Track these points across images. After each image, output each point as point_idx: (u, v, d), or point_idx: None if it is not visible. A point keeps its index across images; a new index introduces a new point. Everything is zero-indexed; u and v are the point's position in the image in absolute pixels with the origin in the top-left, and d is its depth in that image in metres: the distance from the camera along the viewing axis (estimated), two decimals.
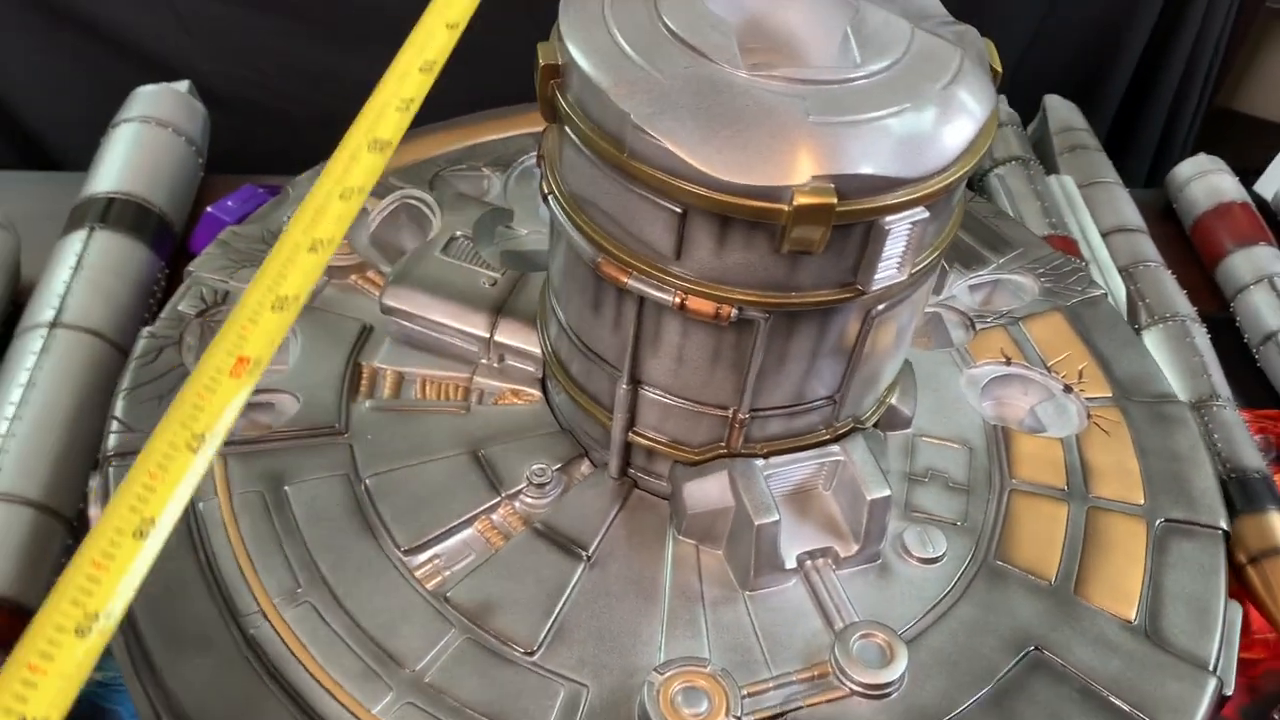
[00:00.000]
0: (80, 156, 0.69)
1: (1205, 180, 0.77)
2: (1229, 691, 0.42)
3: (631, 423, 0.43)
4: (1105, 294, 0.56)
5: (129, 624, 0.39)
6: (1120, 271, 0.68)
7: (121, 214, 0.62)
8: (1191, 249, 0.77)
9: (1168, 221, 0.80)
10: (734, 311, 0.37)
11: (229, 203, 0.67)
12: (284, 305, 0.35)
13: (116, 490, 0.31)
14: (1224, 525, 0.47)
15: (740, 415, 0.41)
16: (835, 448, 0.43)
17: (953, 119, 0.36)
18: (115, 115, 0.69)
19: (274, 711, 0.37)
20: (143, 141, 0.67)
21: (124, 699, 0.49)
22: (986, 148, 0.37)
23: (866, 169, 0.34)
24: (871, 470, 0.43)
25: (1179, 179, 0.79)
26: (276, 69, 0.91)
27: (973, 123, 0.36)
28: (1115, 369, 0.53)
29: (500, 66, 0.66)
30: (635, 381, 0.42)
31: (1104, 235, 0.71)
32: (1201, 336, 0.65)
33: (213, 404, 0.32)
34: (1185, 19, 0.98)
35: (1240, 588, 0.55)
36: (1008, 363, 0.52)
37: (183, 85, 0.72)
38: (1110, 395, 0.51)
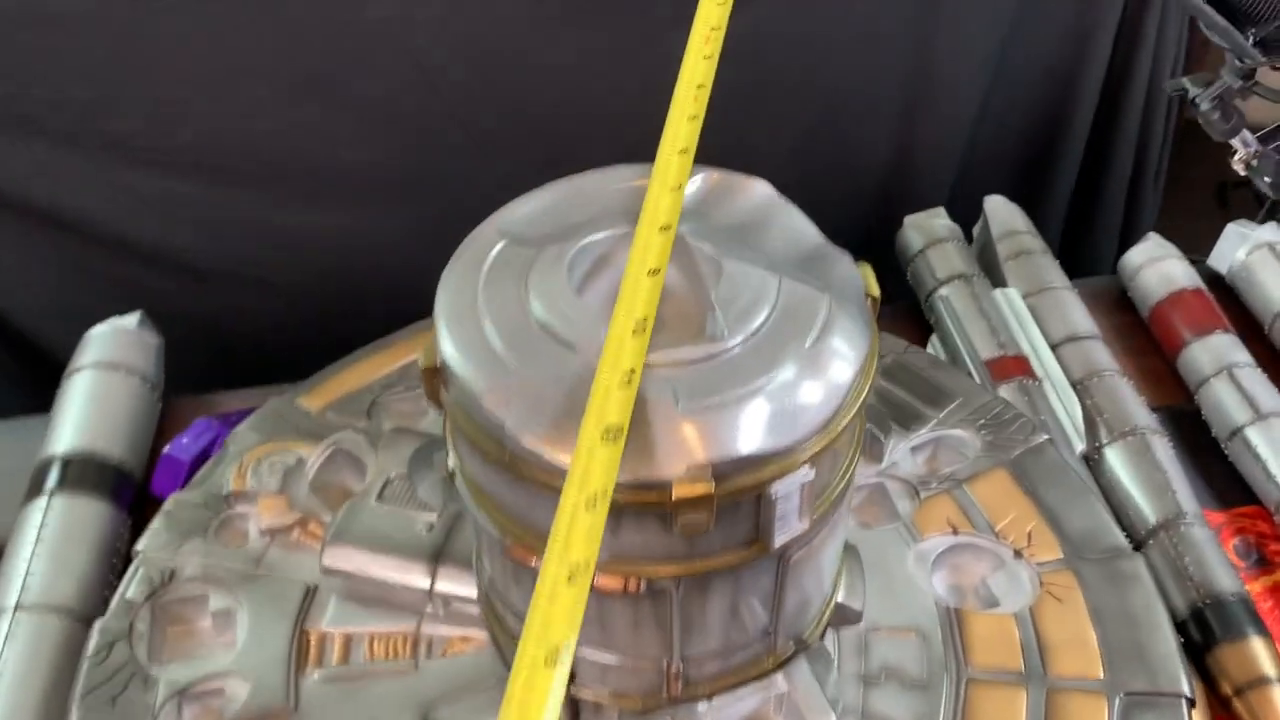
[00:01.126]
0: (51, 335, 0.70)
1: (1155, 268, 0.77)
2: None
3: (572, 679, 0.43)
4: (1049, 441, 0.56)
5: None
6: (1075, 385, 0.68)
7: (80, 475, 0.63)
8: (1150, 336, 0.77)
9: (1128, 309, 0.79)
10: (641, 584, 0.37)
11: (184, 440, 0.68)
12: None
13: None
14: (1187, 692, 0.46)
15: (674, 667, 0.41)
16: (779, 678, 0.43)
17: (825, 374, 0.36)
18: (70, 363, 0.71)
19: None
20: (96, 391, 0.68)
21: None
22: (867, 389, 0.38)
23: (741, 449, 0.34)
24: (816, 700, 0.42)
25: (1129, 267, 0.78)
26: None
27: (847, 370, 0.37)
28: (1064, 525, 0.52)
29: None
30: None
31: (1055, 347, 0.71)
32: (1164, 450, 0.64)
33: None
34: (1129, 90, 0.98)
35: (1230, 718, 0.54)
36: (955, 533, 0.52)
37: (133, 319, 0.73)
38: (1061, 557, 0.51)
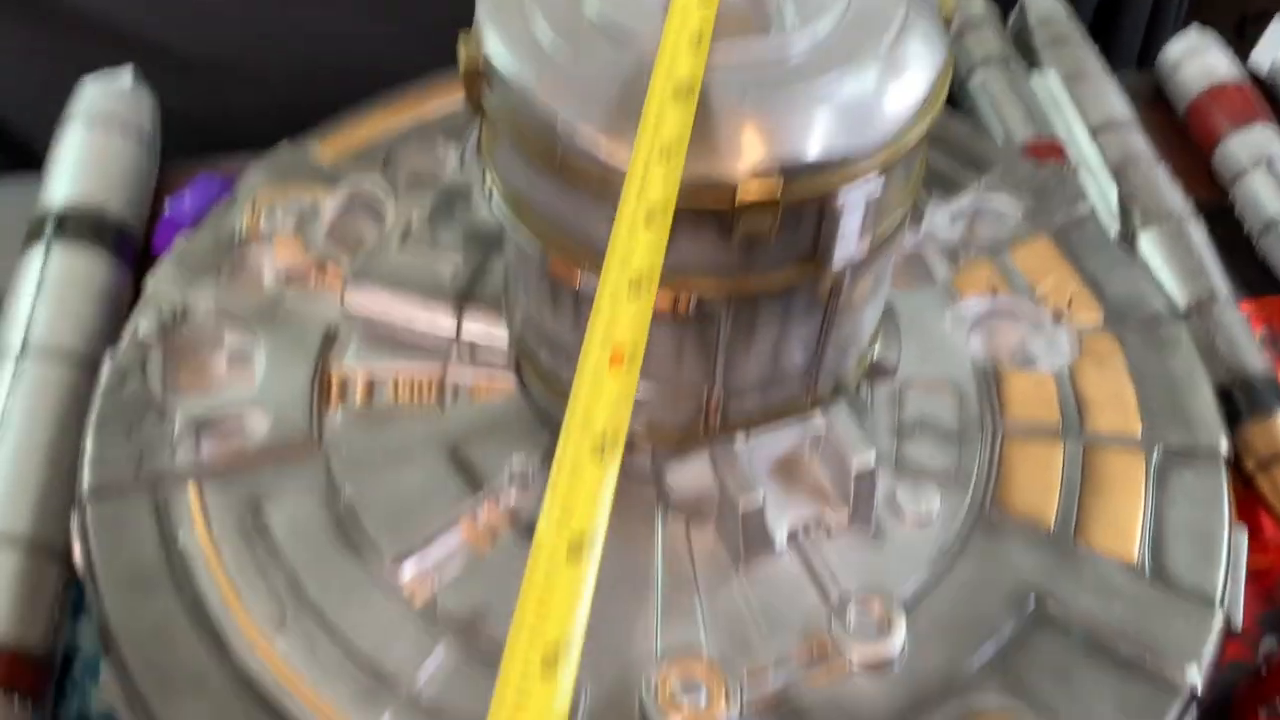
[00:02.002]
0: (46, 136, 0.67)
1: (1197, 60, 0.74)
2: (1237, 625, 0.42)
3: None
4: (1092, 212, 0.54)
5: (121, 665, 0.39)
6: (1111, 171, 0.66)
7: (79, 226, 0.60)
8: (1187, 134, 0.74)
9: (1161, 106, 0.77)
10: (691, 303, 0.36)
11: (185, 200, 0.65)
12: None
13: (541, 515, 0.30)
14: (1224, 448, 0.45)
15: (714, 399, 0.40)
16: (817, 418, 0.42)
17: (901, 79, 0.34)
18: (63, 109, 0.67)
19: None
20: (92, 144, 0.65)
21: None
22: (942, 102, 0.35)
23: (811, 151, 0.32)
24: (855, 439, 0.41)
25: (1169, 61, 0.75)
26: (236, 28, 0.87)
27: (924, 79, 0.34)
28: (1106, 291, 0.51)
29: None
30: None
31: (1092, 132, 0.68)
32: (1199, 234, 0.62)
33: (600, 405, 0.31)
34: None
35: (1251, 495, 0.54)
36: (994, 295, 0.50)
37: (126, 75, 0.70)
38: (1102, 321, 0.50)
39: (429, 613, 0.41)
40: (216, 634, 0.40)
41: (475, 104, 0.36)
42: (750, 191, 0.32)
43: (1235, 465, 0.55)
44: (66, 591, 0.50)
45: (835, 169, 0.33)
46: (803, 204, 0.33)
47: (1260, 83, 0.75)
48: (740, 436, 0.41)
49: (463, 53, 0.35)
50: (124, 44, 0.83)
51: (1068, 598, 0.41)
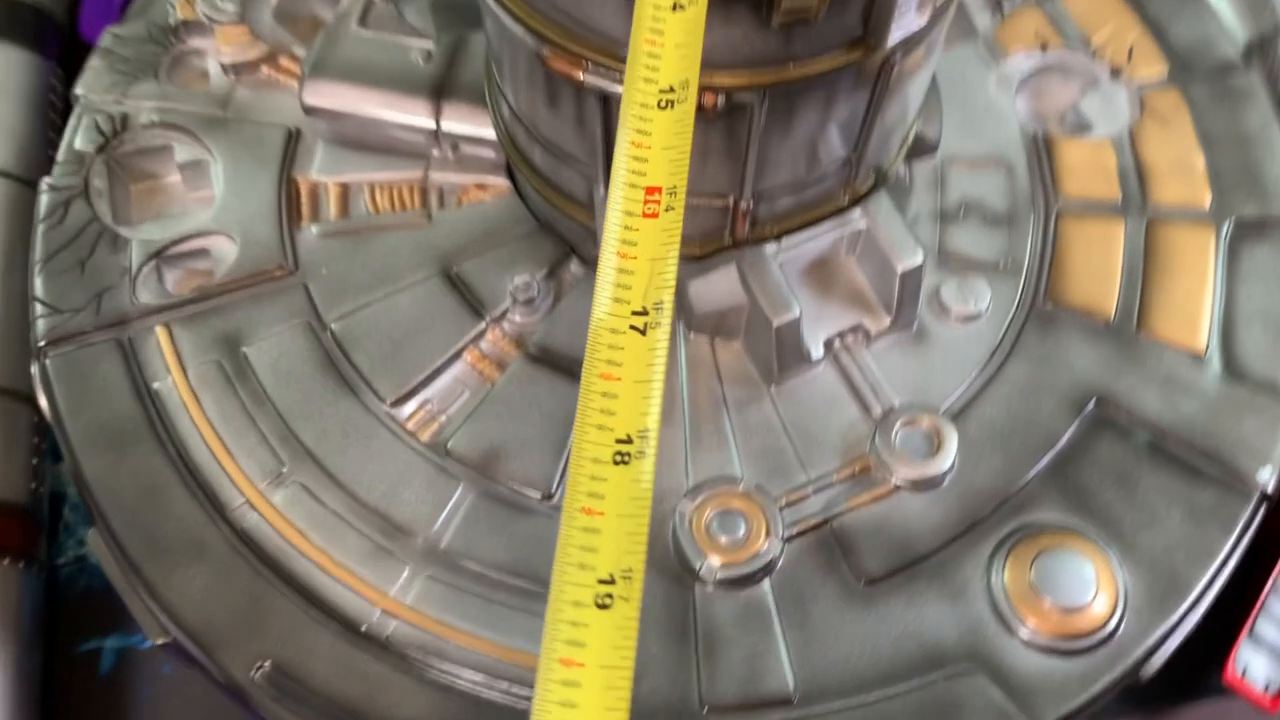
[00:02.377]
0: None
1: None
2: None
3: None
4: None
5: (110, 536, 0.36)
6: None
7: (9, 23, 0.53)
8: None
9: None
10: (720, 100, 0.30)
11: None
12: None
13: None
14: None
15: (742, 204, 0.35)
16: (856, 214, 0.37)
17: None
18: None
19: (284, 610, 0.35)
20: None
21: None
22: None
23: None
24: (900, 235, 0.37)
25: None
26: None
27: None
28: (1170, 36, 0.45)
29: None
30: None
31: None
32: None
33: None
34: None
35: None
36: (1043, 50, 0.44)
37: None
38: (1166, 73, 0.44)
39: (439, 453, 0.37)
40: (207, 492, 0.37)
41: None
42: None
43: None
44: (43, 435, 0.46)
45: None
46: None
47: None
48: (770, 244, 0.37)
49: None
50: None
51: (1130, 396, 0.38)
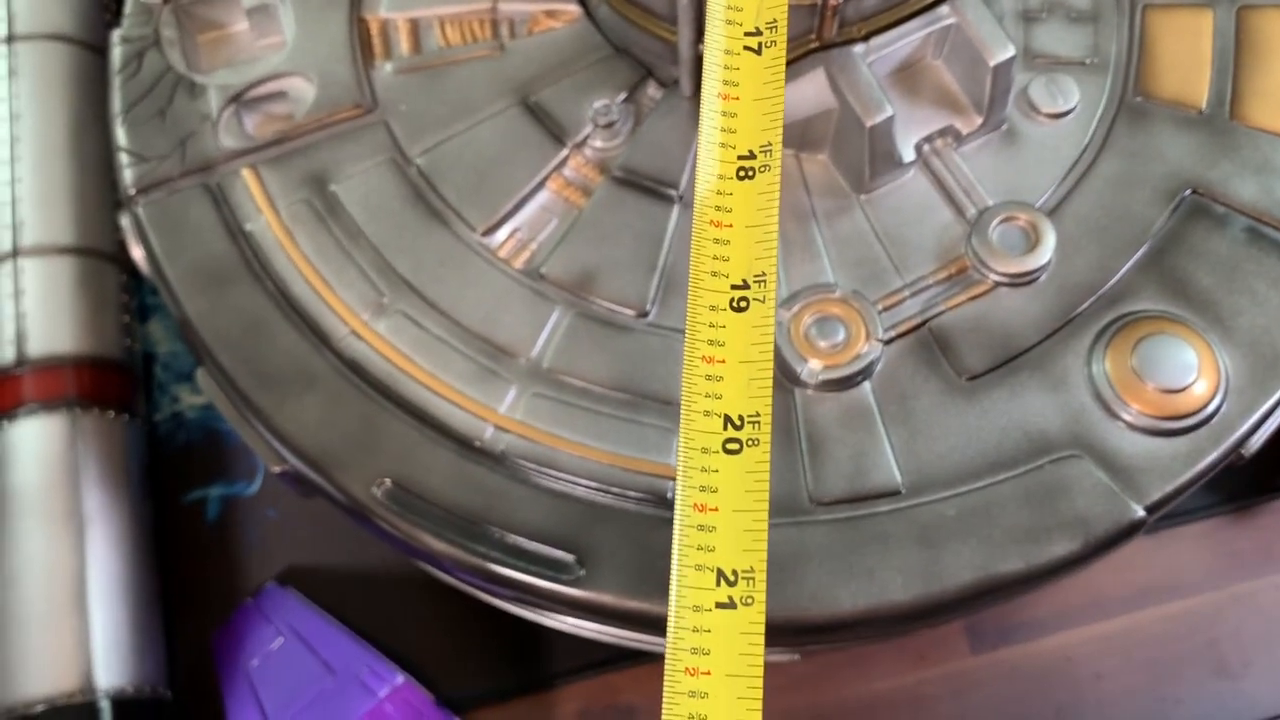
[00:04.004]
0: None
1: None
2: None
3: (700, 33, 0.36)
4: None
5: (220, 372, 0.37)
6: None
7: None
8: None
9: None
10: None
11: None
12: None
13: (703, 136, 0.27)
14: None
15: (832, 1, 0.34)
16: (944, 9, 0.37)
17: None
18: None
19: (398, 431, 0.35)
20: None
21: None
22: None
23: None
24: (990, 28, 0.36)
25: None
26: None
27: None
28: None
29: None
30: None
31: None
32: None
33: None
34: None
35: None
36: None
37: None
38: None
39: (534, 278, 0.37)
40: (312, 325, 0.37)
41: None
42: None
43: None
44: (131, 294, 0.47)
45: None
46: None
47: None
48: (859, 44, 0.36)
49: None
50: None
51: (1225, 184, 0.37)
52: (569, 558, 0.33)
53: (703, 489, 0.24)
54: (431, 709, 0.40)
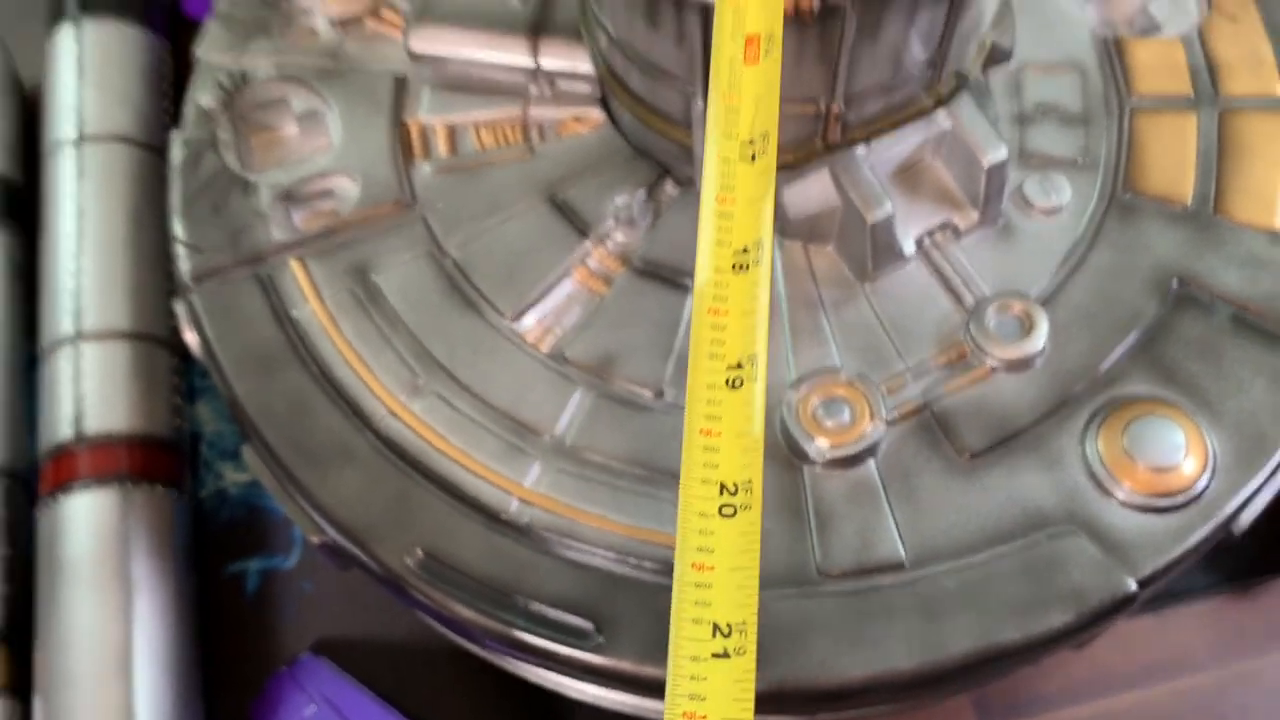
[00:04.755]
0: None
1: None
2: None
3: None
4: None
5: (265, 449, 0.40)
6: None
7: None
8: None
9: None
10: (816, 3, 0.33)
11: None
12: None
13: (702, 234, 0.29)
14: None
15: (834, 108, 0.37)
16: (941, 115, 0.39)
17: None
18: None
19: (432, 504, 0.38)
20: None
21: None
22: None
23: None
24: (984, 131, 0.39)
25: None
26: None
27: None
28: None
29: None
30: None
31: None
32: None
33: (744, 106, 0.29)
34: None
35: None
36: None
37: None
38: None
39: (559, 361, 0.40)
40: (352, 405, 0.40)
41: None
42: None
43: None
44: (181, 377, 0.50)
45: None
46: None
47: None
48: (860, 146, 0.39)
49: None
50: None
51: (1211, 275, 0.40)
52: (588, 625, 0.35)
53: (700, 549, 0.26)
54: None
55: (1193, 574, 0.39)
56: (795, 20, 0.33)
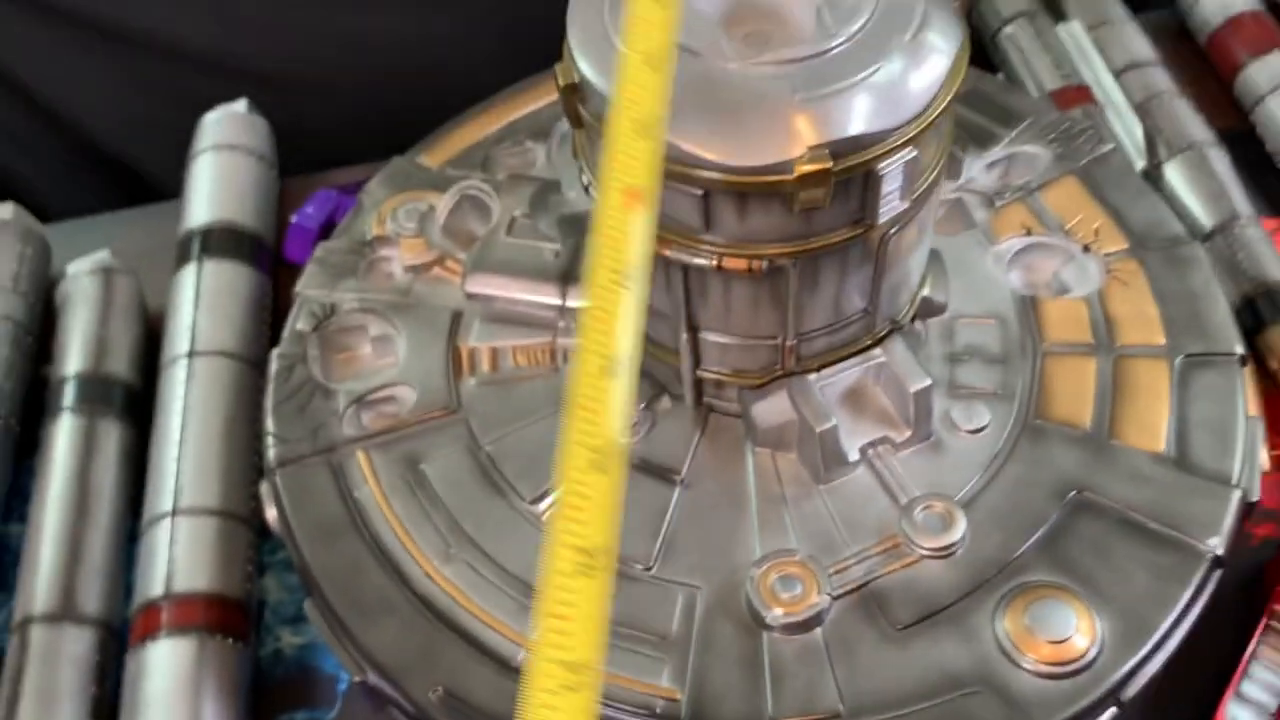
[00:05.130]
0: (167, 169, 0.77)
1: None
2: (1254, 498, 0.48)
3: (697, 363, 0.50)
4: (1114, 148, 0.60)
5: (324, 602, 0.48)
6: (1136, 108, 0.72)
7: (221, 242, 0.70)
8: (1209, 65, 0.79)
9: (1184, 40, 0.82)
10: (764, 264, 0.43)
11: (309, 210, 0.74)
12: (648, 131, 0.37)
13: (579, 338, 0.35)
14: (1239, 350, 0.52)
15: (788, 343, 0.48)
16: (876, 351, 0.50)
17: (923, 64, 0.41)
18: (190, 146, 0.77)
19: (454, 651, 0.46)
20: (221, 170, 0.74)
21: (325, 656, 0.59)
22: (961, 78, 0.42)
23: (854, 130, 0.40)
24: (910, 366, 0.49)
25: None
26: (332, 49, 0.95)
27: (943, 61, 0.41)
28: (1129, 221, 0.57)
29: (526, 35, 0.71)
30: (693, 329, 0.48)
31: (1117, 75, 0.74)
32: (1220, 160, 0.68)
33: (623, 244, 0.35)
34: None
35: (1274, 392, 0.60)
36: (1028, 234, 0.57)
37: (241, 105, 0.79)
38: (1126, 247, 0.56)
39: None
40: (395, 568, 0.49)
41: (573, 112, 0.44)
42: (805, 167, 0.39)
43: (1260, 366, 0.62)
44: (255, 551, 0.60)
45: (874, 144, 0.40)
46: (849, 176, 0.41)
47: (1276, 11, 0.80)
48: (813, 374, 0.49)
49: (560, 75, 0.43)
50: (225, 77, 0.92)
51: (1103, 487, 0.48)
52: None
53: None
54: None
55: None
56: (749, 275, 0.44)
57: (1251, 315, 0.63)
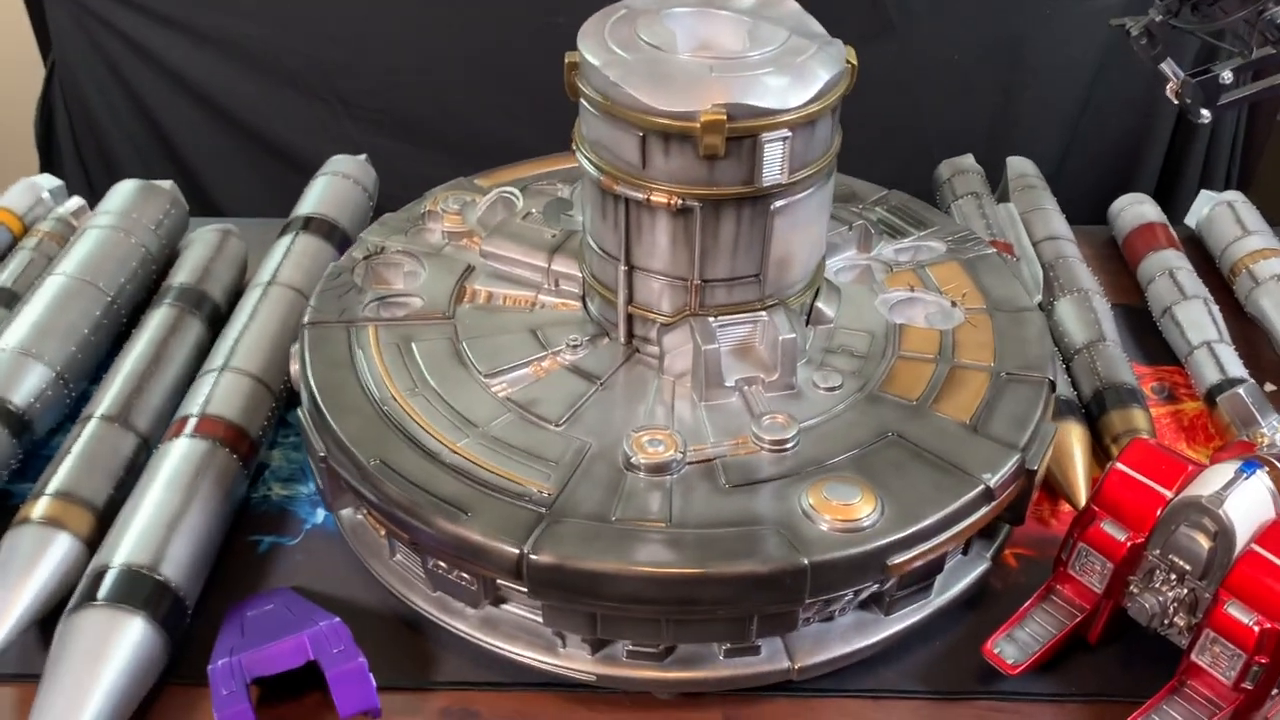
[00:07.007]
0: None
1: (1133, 209, 0.98)
2: (1033, 467, 0.62)
3: (630, 297, 0.67)
4: (995, 253, 0.77)
5: (313, 404, 0.64)
6: (1044, 265, 0.89)
7: (318, 227, 0.90)
8: (1124, 261, 0.97)
9: (1111, 247, 1.00)
10: (678, 201, 0.61)
11: None
12: None
13: None
14: (1050, 377, 0.66)
15: (695, 282, 0.64)
16: (763, 313, 0.66)
17: (806, 78, 0.60)
18: (317, 171, 0.99)
19: (395, 441, 0.61)
20: (334, 187, 0.96)
21: (301, 505, 0.73)
22: (835, 97, 0.61)
23: (747, 101, 0.58)
24: (785, 324, 0.65)
25: (1114, 211, 1.00)
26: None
27: (820, 80, 0.60)
28: (991, 293, 0.73)
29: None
30: (629, 265, 0.65)
31: (1036, 243, 0.92)
32: (1101, 304, 0.84)
33: None
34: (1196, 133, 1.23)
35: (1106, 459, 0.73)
36: (911, 290, 0.74)
37: (362, 157, 1.02)
38: (983, 306, 0.72)
39: (504, 400, 0.64)
40: (371, 392, 0.65)
41: (572, 87, 0.64)
42: (709, 116, 0.58)
43: (1098, 441, 0.75)
44: (274, 415, 0.76)
45: (760, 118, 0.59)
46: (741, 137, 0.59)
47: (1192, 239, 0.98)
48: (713, 318, 0.65)
49: (569, 57, 0.63)
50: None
51: (914, 435, 0.62)
52: (462, 513, 0.57)
53: None
54: (351, 642, 0.59)
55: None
56: (668, 209, 0.61)
57: (1097, 406, 0.77)
